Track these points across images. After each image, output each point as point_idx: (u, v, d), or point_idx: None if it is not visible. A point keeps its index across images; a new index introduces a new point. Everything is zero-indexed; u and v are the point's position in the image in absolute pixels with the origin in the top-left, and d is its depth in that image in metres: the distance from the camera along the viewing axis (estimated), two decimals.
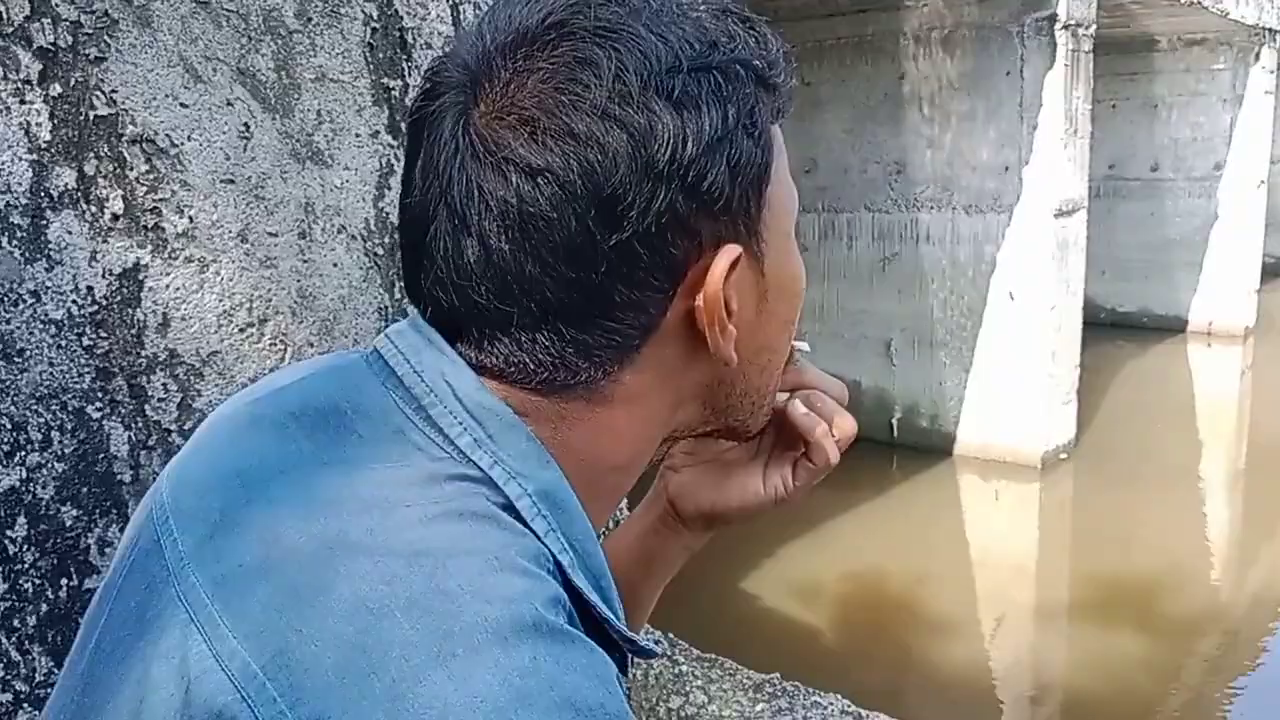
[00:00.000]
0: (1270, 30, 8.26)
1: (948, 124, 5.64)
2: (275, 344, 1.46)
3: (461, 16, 1.79)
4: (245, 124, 1.43)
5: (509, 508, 0.55)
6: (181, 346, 1.34)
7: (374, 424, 0.57)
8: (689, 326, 0.59)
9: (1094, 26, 5.47)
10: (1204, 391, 7.87)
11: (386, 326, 0.63)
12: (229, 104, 1.41)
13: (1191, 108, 8.64)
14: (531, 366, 0.57)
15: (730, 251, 0.57)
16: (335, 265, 1.56)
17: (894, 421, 6.01)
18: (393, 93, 1.67)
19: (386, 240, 1.63)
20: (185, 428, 1.34)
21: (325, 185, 1.54)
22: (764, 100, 0.58)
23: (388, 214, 1.63)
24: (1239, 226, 8.57)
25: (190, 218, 1.35)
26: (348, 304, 1.58)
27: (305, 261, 1.51)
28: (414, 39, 1.70)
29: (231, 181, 1.41)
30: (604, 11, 0.56)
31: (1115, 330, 8.70)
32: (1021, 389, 5.56)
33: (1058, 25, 5.25)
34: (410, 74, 1.70)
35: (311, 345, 1.52)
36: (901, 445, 5.94)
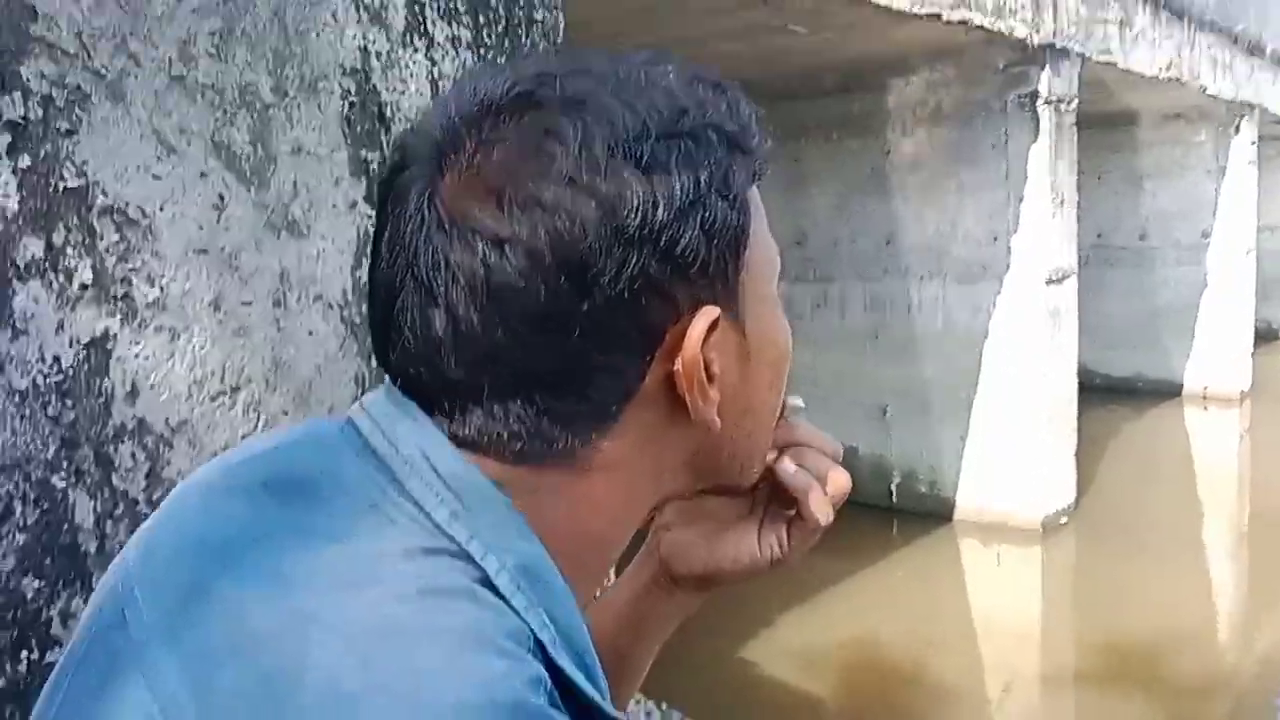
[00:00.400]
0: (1248, 104, 8.40)
1: (935, 196, 5.70)
2: (248, 413, 1.46)
3: (441, 92, 1.81)
4: (220, 195, 1.44)
5: (487, 583, 0.53)
6: (151, 415, 1.33)
7: (349, 496, 0.55)
8: (669, 390, 0.58)
9: (1075, 102, 5.56)
10: (1202, 455, 7.83)
11: (363, 396, 0.62)
12: (203, 175, 1.42)
13: (1176, 178, 8.73)
14: (506, 437, 0.56)
15: (708, 313, 0.57)
16: (311, 334, 1.55)
17: (893, 487, 5.98)
18: (371, 165, 1.69)
19: (364, 309, 1.64)
20: (153, 498, 1.33)
21: (301, 255, 1.55)
22: (738, 163, 0.58)
23: (365, 282, 1.64)
24: (1229, 292, 8.62)
25: (161, 287, 1.35)
26: (324, 373, 1.57)
27: (280, 330, 1.51)
28: (393, 112, 1.72)
29: (205, 251, 1.41)
30: (570, 82, 0.56)
31: (1110, 395, 8.68)
32: (1019, 454, 5.53)
33: (1040, 101, 5.34)
34: (389, 146, 1.72)
35: (286, 414, 1.51)
36: (901, 510, 5.89)
